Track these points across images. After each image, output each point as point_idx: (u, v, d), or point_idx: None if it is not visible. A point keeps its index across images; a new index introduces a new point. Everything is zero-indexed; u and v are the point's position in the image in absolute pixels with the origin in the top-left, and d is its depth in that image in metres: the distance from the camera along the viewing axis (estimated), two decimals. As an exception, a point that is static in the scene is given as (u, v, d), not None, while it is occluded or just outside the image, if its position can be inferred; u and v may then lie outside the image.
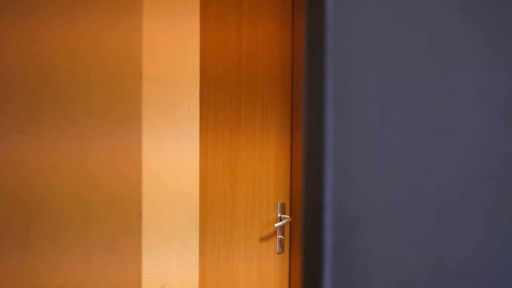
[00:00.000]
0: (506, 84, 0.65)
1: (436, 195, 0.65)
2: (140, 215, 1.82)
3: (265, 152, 2.53)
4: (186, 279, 1.93)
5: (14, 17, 1.93)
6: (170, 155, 1.88)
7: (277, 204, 2.56)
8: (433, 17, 0.64)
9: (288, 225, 2.56)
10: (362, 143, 0.64)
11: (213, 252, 2.42)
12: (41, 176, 1.90)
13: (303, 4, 0.67)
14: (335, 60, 0.63)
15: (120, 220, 1.83)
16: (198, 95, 1.94)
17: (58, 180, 1.88)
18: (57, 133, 1.89)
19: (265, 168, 2.54)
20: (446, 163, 0.65)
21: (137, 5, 1.81)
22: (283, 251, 2.56)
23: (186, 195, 1.92)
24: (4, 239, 1.96)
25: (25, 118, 1.92)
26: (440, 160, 0.64)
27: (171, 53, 1.88)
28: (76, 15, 1.87)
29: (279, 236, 2.54)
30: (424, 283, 0.65)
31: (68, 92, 1.88)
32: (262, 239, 2.53)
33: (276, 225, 2.50)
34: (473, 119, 0.64)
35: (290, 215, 2.59)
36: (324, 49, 0.63)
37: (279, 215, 2.55)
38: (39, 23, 1.91)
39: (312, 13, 0.64)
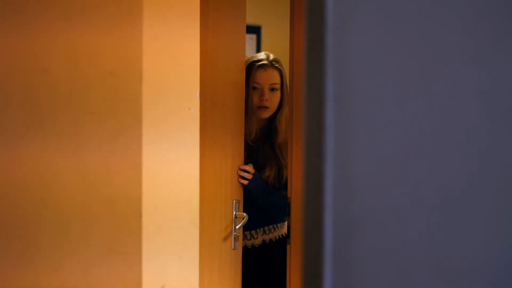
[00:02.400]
0: (506, 84, 0.65)
1: (435, 195, 0.65)
2: (140, 215, 1.82)
3: (223, 153, 2.63)
4: (186, 279, 1.93)
5: (15, 16, 1.94)
6: (170, 155, 1.88)
7: (233, 201, 2.65)
8: (433, 17, 0.64)
9: (241, 222, 2.67)
10: (362, 143, 0.64)
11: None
12: (41, 177, 1.90)
13: (303, 5, 0.67)
14: (335, 60, 0.63)
15: (120, 220, 1.84)
16: (198, 95, 1.94)
17: (58, 180, 1.89)
18: (57, 133, 1.89)
19: (224, 168, 2.64)
20: (446, 163, 0.65)
21: (137, 5, 1.81)
22: (237, 247, 2.65)
23: (186, 195, 1.92)
24: (4, 239, 1.96)
25: (24, 118, 1.93)
26: (440, 160, 0.64)
27: (171, 53, 1.88)
28: (77, 15, 1.87)
29: (234, 233, 2.64)
30: (424, 282, 0.65)
31: (68, 92, 1.88)
32: (221, 237, 2.62)
33: (237, 227, 2.62)
34: (473, 119, 0.64)
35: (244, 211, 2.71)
36: (324, 49, 0.63)
37: (234, 212, 2.65)
38: (40, 22, 1.91)
39: (312, 13, 0.64)
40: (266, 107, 2.78)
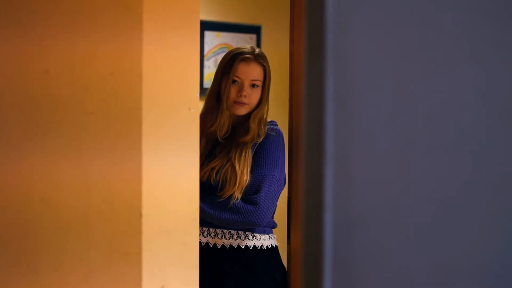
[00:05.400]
0: (505, 84, 0.65)
1: (435, 195, 0.65)
2: (140, 215, 1.82)
3: None
4: (186, 279, 1.93)
5: (17, 18, 1.93)
6: (170, 155, 1.88)
7: None
8: (433, 18, 0.64)
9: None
10: (362, 143, 0.64)
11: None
12: (41, 177, 1.90)
13: (303, 5, 0.67)
14: (335, 60, 0.63)
15: (120, 221, 1.84)
16: (198, 95, 1.94)
17: (58, 181, 1.89)
18: (56, 133, 1.89)
19: None
20: (446, 163, 0.65)
21: (137, 5, 1.81)
22: None
23: (186, 195, 1.93)
24: (4, 239, 1.96)
25: (25, 118, 1.93)
26: (439, 160, 0.64)
27: (171, 53, 1.88)
28: (77, 16, 1.87)
29: None
30: (424, 282, 0.65)
31: (68, 92, 1.88)
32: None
33: None
34: (472, 119, 0.64)
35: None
36: (324, 49, 0.63)
37: None
38: (41, 24, 1.91)
39: (312, 13, 0.64)
40: (244, 103, 2.55)
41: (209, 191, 2.52)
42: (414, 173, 0.66)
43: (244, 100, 2.54)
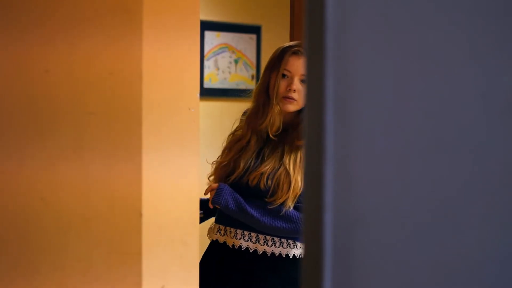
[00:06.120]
0: (505, 84, 0.65)
1: (436, 196, 0.65)
2: (140, 215, 1.82)
3: None
4: (186, 279, 1.93)
5: (19, 18, 1.94)
6: (171, 155, 1.88)
7: None
8: (433, 18, 0.64)
9: None
10: (362, 144, 0.64)
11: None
12: (41, 176, 1.90)
13: (303, 5, 0.67)
14: (335, 61, 0.63)
15: (120, 220, 1.84)
16: (198, 95, 1.94)
17: (58, 180, 1.89)
18: (57, 132, 1.89)
19: None
20: (446, 163, 0.65)
21: (137, 5, 1.81)
22: None
23: (186, 195, 1.93)
24: (4, 239, 1.96)
25: (25, 117, 1.93)
26: (440, 160, 0.65)
27: (171, 53, 1.88)
28: (78, 16, 1.87)
29: None
30: (424, 283, 0.65)
31: (69, 92, 1.88)
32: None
33: None
34: (473, 119, 0.64)
35: None
36: (324, 49, 0.63)
37: None
38: (42, 24, 1.91)
39: (312, 13, 0.64)
40: (293, 99, 2.40)
41: (257, 196, 2.40)
42: (414, 173, 0.66)
43: (294, 95, 2.40)
